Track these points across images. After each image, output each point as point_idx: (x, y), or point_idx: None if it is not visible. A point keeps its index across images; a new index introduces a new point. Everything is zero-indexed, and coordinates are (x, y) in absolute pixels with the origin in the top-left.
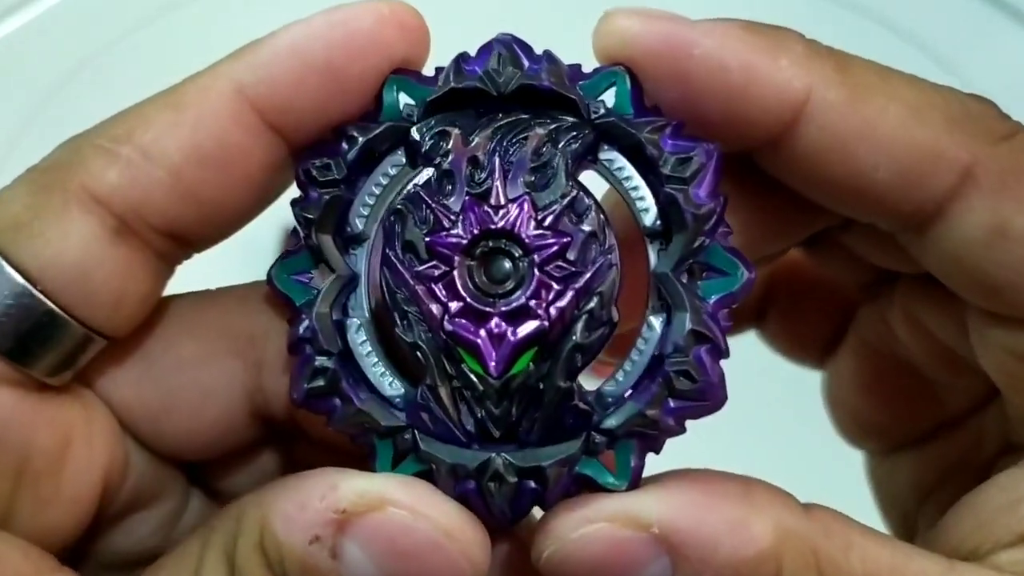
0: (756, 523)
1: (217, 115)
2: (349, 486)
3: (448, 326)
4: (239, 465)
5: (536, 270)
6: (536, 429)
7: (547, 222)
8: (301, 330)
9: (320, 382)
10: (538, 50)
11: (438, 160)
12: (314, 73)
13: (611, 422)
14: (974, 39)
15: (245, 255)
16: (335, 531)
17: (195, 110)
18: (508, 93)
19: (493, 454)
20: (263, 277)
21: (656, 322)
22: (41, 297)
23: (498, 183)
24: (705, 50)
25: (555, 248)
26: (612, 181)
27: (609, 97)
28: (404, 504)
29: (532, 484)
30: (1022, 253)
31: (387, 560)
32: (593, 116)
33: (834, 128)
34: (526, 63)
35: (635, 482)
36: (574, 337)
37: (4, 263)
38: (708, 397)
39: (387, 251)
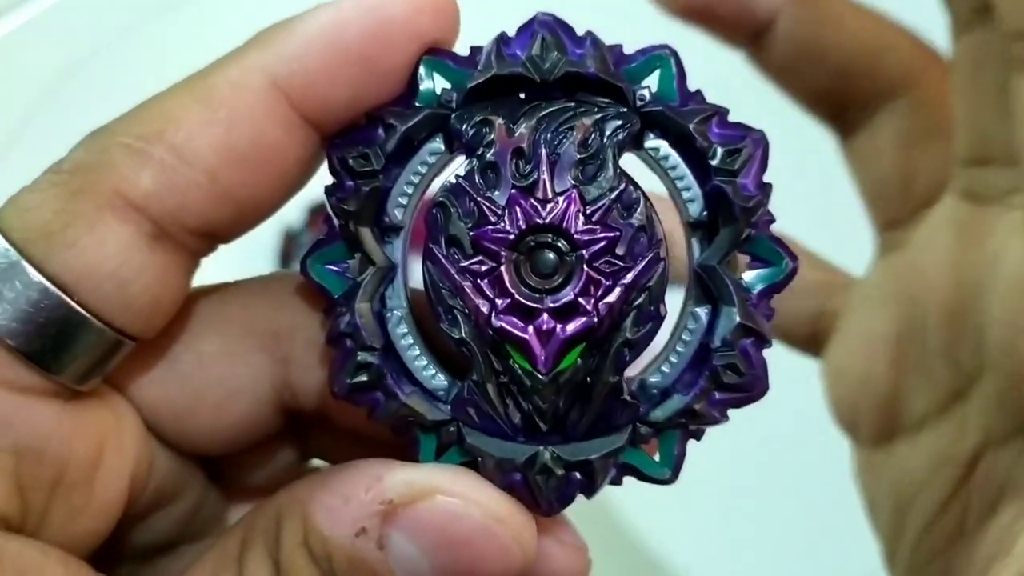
0: None
1: (252, 112)
2: (395, 477)
3: (496, 322)
4: (256, 457)
5: (585, 265)
6: (583, 422)
7: (596, 216)
8: (343, 325)
9: (363, 377)
10: (579, 30)
11: (481, 151)
12: (350, 63)
13: (657, 415)
14: None
15: (245, 252)
16: (381, 522)
17: (228, 107)
18: (552, 80)
19: (540, 448)
20: (263, 273)
21: (702, 314)
22: (76, 307)
23: (545, 176)
24: None
25: (604, 243)
26: (657, 170)
27: (653, 81)
28: (454, 492)
29: (579, 476)
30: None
31: (437, 549)
32: (639, 104)
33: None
34: (570, 47)
35: (678, 469)
36: (624, 333)
37: (37, 273)
38: (754, 388)
39: (431, 245)
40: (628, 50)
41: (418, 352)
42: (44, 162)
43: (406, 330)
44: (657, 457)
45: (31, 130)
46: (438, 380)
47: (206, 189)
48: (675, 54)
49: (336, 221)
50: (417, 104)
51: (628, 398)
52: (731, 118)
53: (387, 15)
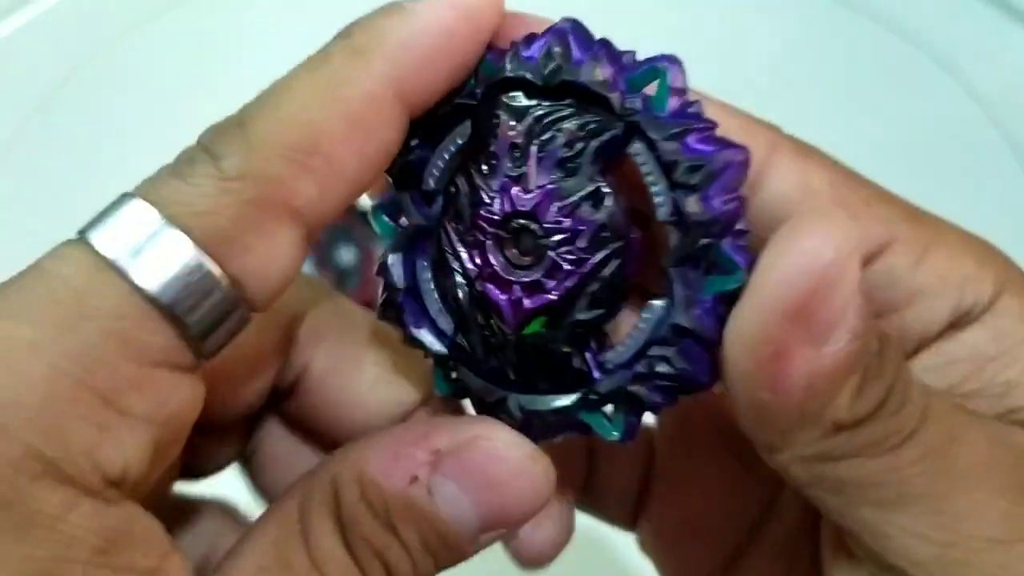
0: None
1: (385, 123)
2: (441, 431)
3: (479, 286)
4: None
5: (552, 251)
6: (543, 380)
7: (566, 210)
8: (379, 264)
9: (389, 311)
10: (600, 33)
11: (488, 141)
12: (453, 67)
13: (603, 386)
14: (975, 40)
15: None
16: (430, 470)
17: (368, 122)
18: (553, 85)
19: (510, 393)
20: None
21: (657, 306)
22: (242, 303)
23: (531, 170)
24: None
25: (568, 234)
26: (638, 172)
27: (652, 89)
28: (494, 437)
29: (536, 422)
30: (823, 202)
31: (479, 489)
32: (627, 112)
33: None
34: (576, 54)
35: (629, 435)
36: (577, 314)
37: (220, 272)
38: (688, 382)
39: (443, 216)
40: (642, 54)
41: (435, 297)
42: (46, 162)
43: (428, 276)
44: (611, 422)
45: (32, 130)
46: (447, 323)
47: (348, 193)
48: (676, 64)
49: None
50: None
51: (579, 366)
52: (727, 130)
53: (478, 18)
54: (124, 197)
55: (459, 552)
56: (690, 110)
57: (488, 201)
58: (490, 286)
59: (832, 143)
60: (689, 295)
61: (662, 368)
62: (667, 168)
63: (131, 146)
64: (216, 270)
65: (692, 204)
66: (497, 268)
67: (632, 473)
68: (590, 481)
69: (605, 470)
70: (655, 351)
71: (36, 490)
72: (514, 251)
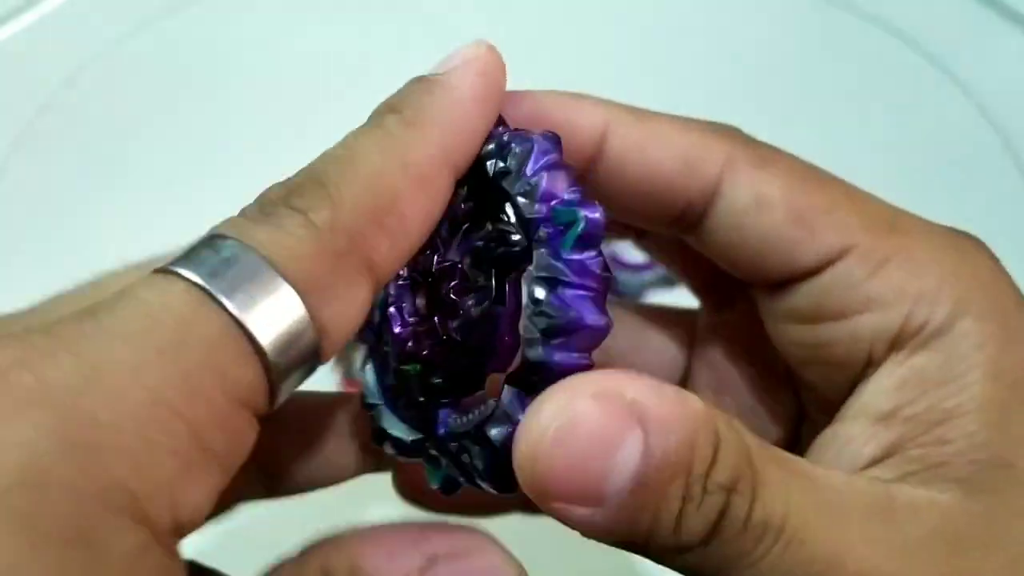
0: (692, 399)
1: (446, 188)
2: (439, 537)
3: (389, 311)
4: None
5: (436, 318)
6: (408, 411)
7: (456, 289)
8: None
9: (369, 412)
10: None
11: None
12: (484, 131)
13: (433, 443)
14: (968, 39)
15: None
16: (420, 574)
17: (432, 185)
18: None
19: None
20: None
21: (491, 403)
22: (319, 348)
23: (454, 243)
24: (533, 100)
25: (451, 310)
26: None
27: (569, 228)
28: (489, 551)
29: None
30: (776, 216)
31: None
32: (535, 238)
33: (629, 137)
34: (530, 167)
35: (445, 491)
36: (434, 378)
37: (308, 317)
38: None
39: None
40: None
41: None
42: (48, 161)
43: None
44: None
45: (38, 131)
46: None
47: (412, 250)
48: (593, 215)
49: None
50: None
51: (432, 417)
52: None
53: (499, 83)
54: (216, 236)
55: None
56: (588, 263)
57: (425, 253)
58: (394, 314)
59: (828, 143)
60: (509, 411)
61: (465, 458)
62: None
63: (136, 147)
64: (308, 316)
65: (534, 350)
66: (406, 306)
67: (674, 368)
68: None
69: (649, 365)
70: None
71: (115, 527)
72: (422, 301)
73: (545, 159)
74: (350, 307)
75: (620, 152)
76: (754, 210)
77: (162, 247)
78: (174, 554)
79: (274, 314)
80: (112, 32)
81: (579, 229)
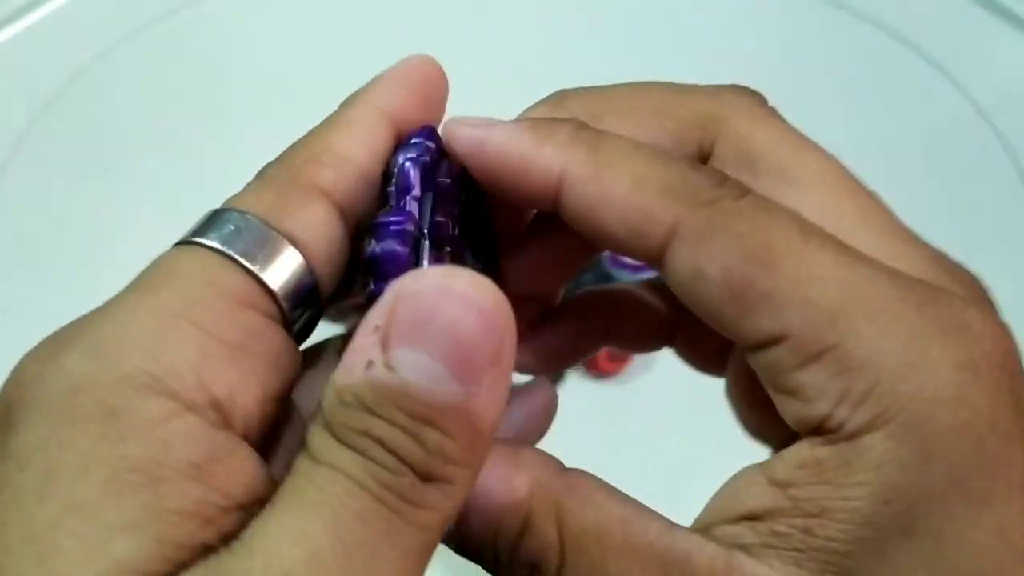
0: (517, 478)
1: (378, 128)
2: (374, 311)
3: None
4: None
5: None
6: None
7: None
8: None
9: None
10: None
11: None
12: (422, 101)
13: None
14: (966, 41)
15: None
16: (381, 348)
17: (363, 127)
18: None
19: None
20: None
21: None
22: (310, 268)
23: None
24: (494, 145)
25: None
26: None
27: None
28: (415, 285)
29: None
30: (713, 292)
31: (429, 341)
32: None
33: (582, 196)
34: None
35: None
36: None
37: (286, 241)
38: (387, 272)
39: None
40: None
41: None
42: (49, 162)
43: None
44: None
45: (39, 131)
46: None
47: (362, 179)
48: (405, 162)
49: None
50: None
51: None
52: None
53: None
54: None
55: (465, 418)
56: (403, 203)
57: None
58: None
59: (827, 144)
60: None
61: (371, 272)
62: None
63: (136, 148)
64: (268, 228)
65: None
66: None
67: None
68: (681, 334)
69: (693, 326)
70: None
71: (138, 400)
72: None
73: (412, 151)
74: (310, 217)
75: (572, 210)
76: (692, 283)
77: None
78: (220, 425)
79: (237, 232)
80: (112, 34)
81: (398, 180)
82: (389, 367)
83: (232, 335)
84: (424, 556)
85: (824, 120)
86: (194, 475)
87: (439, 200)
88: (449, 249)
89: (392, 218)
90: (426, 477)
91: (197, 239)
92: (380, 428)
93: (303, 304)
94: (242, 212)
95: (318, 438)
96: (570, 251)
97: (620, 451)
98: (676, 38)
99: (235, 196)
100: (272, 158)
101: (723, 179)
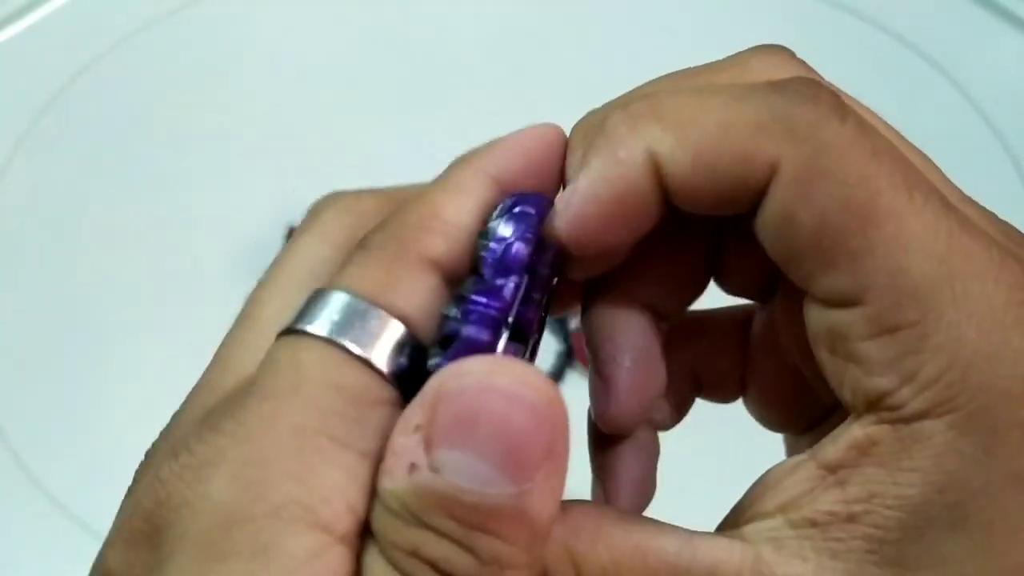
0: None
1: (478, 192)
2: (414, 408)
3: None
4: None
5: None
6: None
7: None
8: None
9: None
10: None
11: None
12: (537, 171)
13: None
14: (967, 41)
15: (251, 251)
16: (424, 450)
17: (474, 194)
18: None
19: None
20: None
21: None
22: (416, 335)
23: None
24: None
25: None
26: None
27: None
28: (461, 377)
29: None
30: (803, 237)
31: (477, 441)
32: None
33: (678, 166)
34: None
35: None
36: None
37: (386, 313)
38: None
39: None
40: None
41: None
42: (49, 162)
43: None
44: None
45: (41, 130)
46: None
47: (468, 243)
48: (515, 247)
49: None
50: None
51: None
52: None
53: (554, 143)
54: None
55: (520, 518)
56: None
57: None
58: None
59: None
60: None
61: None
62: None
63: (137, 148)
64: (379, 309)
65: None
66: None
67: (733, 363)
68: (709, 382)
69: (710, 371)
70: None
71: (290, 535)
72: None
73: (522, 226)
74: (415, 291)
75: (673, 180)
76: (781, 227)
77: (163, 245)
78: (357, 552)
79: (350, 319)
80: (112, 34)
81: (499, 255)
82: (434, 469)
83: (369, 443)
84: None
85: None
86: None
87: (531, 287)
88: (531, 341)
89: (484, 300)
90: None
91: (308, 329)
92: (430, 546)
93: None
94: (351, 294)
95: (372, 562)
96: (687, 256)
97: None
98: (675, 37)
99: (342, 272)
100: (272, 157)
101: (816, 93)
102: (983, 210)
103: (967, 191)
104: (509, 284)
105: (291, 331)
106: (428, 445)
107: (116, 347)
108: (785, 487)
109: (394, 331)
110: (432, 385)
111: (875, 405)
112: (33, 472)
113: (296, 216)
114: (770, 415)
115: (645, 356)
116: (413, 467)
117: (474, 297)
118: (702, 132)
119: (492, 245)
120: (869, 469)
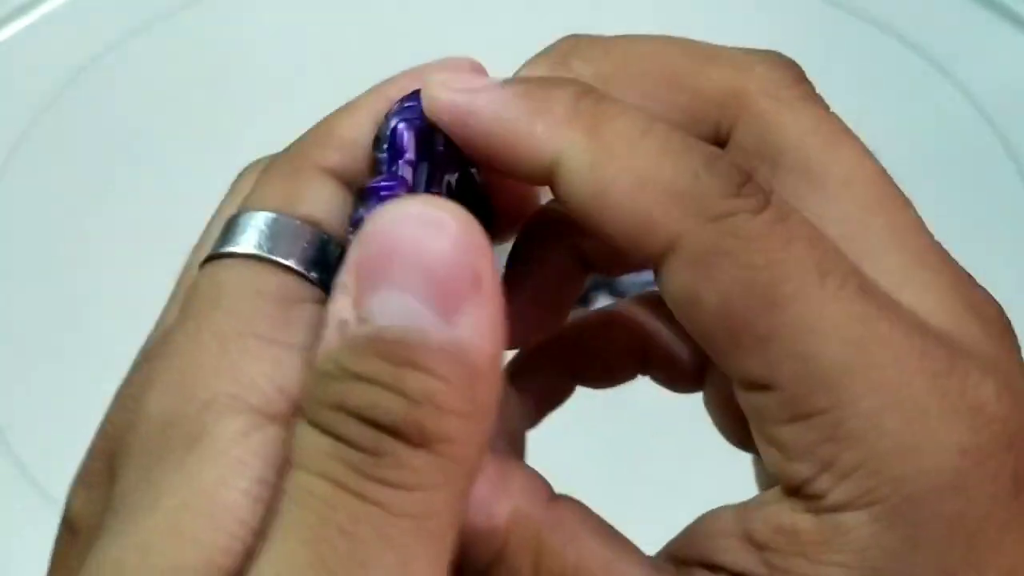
0: (499, 504)
1: (368, 115)
2: (342, 272)
3: None
4: None
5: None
6: None
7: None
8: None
9: None
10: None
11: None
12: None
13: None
14: (967, 41)
15: None
16: (353, 305)
17: (369, 111)
18: None
19: None
20: None
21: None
22: (333, 236)
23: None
24: (479, 118)
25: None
26: None
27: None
28: (373, 221)
29: None
30: (708, 319)
31: (399, 271)
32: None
33: (577, 188)
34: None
35: None
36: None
37: (298, 222)
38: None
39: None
40: None
41: None
42: (48, 162)
43: None
44: None
45: (40, 130)
46: None
47: (361, 159)
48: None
49: None
50: None
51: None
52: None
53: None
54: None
55: (451, 352)
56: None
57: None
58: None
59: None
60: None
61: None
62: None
63: (137, 148)
64: (286, 216)
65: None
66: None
67: (692, 349)
68: (657, 359)
69: (669, 350)
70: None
71: (221, 422)
72: None
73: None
74: (318, 197)
75: (566, 198)
76: (686, 305)
77: (162, 246)
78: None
79: (261, 229)
80: (112, 34)
81: (389, 144)
82: (363, 320)
83: (296, 336)
84: (435, 556)
85: None
86: (257, 495)
87: (434, 169)
88: None
89: (383, 183)
90: (417, 437)
91: (226, 250)
92: (356, 393)
93: None
94: (258, 211)
95: (298, 430)
96: (574, 267)
97: (613, 452)
98: (674, 35)
99: (246, 196)
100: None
101: (742, 182)
102: (955, 269)
103: (967, 191)
104: (404, 166)
105: (208, 259)
106: (356, 300)
107: (116, 347)
108: (720, 552)
109: (304, 233)
110: (353, 241)
111: (798, 491)
112: (33, 472)
113: None
114: (726, 423)
115: (554, 286)
116: (343, 323)
117: (372, 184)
118: (616, 171)
119: (383, 145)
120: (795, 559)
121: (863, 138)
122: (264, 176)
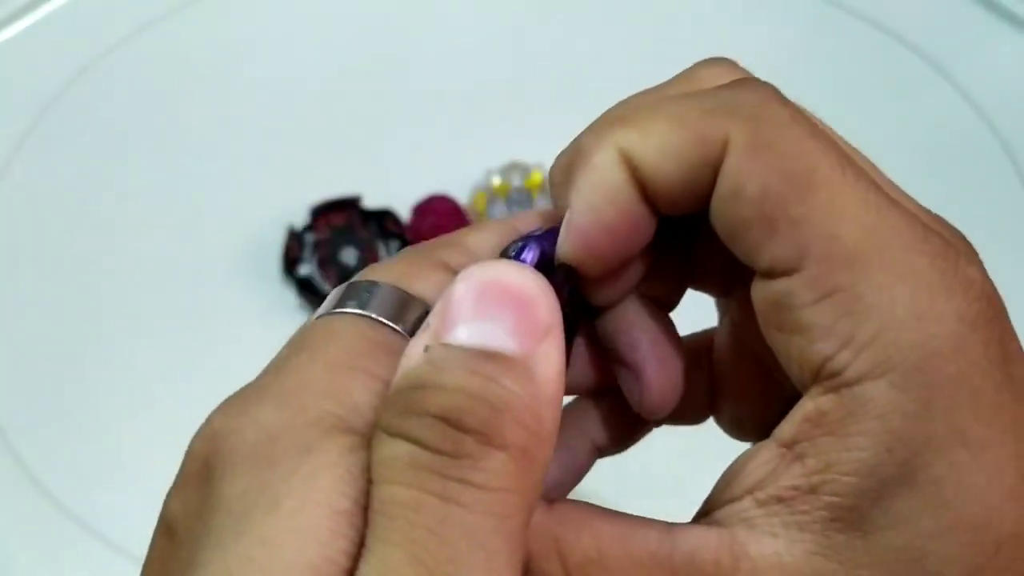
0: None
1: (512, 236)
2: (428, 318)
3: None
4: None
5: None
6: None
7: None
8: None
9: None
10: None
11: None
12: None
13: None
14: (967, 41)
15: (251, 250)
16: (435, 336)
17: (497, 232)
18: None
19: None
20: (267, 274)
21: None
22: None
23: None
24: (585, 219)
25: None
26: None
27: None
28: (460, 279)
29: None
30: (748, 210)
31: (491, 304)
32: None
33: (640, 160)
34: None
35: None
36: None
37: (410, 294)
38: None
39: None
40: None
41: None
42: (50, 162)
43: None
44: None
45: (41, 131)
46: None
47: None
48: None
49: None
50: None
51: None
52: None
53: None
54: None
55: (528, 374)
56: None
57: None
58: None
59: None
60: None
61: None
62: None
63: (138, 148)
64: (400, 289)
65: None
66: None
67: (698, 387)
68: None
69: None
70: None
71: (328, 438)
72: None
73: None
74: (434, 281)
75: (646, 170)
76: (730, 203)
77: (162, 245)
78: None
79: (383, 301)
80: (114, 34)
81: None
82: (445, 345)
83: (387, 371)
84: (514, 555)
85: (824, 119)
86: (364, 506)
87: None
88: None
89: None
90: (498, 439)
91: (339, 310)
92: (440, 399)
93: None
94: (374, 281)
95: (375, 441)
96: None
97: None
98: (674, 36)
99: (367, 270)
100: (272, 157)
101: (757, 85)
102: (913, 201)
103: (967, 191)
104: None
105: (323, 315)
106: (438, 332)
107: (116, 347)
108: (750, 470)
109: (416, 306)
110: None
111: (819, 374)
112: (33, 472)
113: (296, 216)
114: (742, 428)
115: (662, 336)
116: (426, 348)
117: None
118: (661, 124)
119: (510, 255)
120: (823, 439)
121: (863, 138)
122: (392, 257)
